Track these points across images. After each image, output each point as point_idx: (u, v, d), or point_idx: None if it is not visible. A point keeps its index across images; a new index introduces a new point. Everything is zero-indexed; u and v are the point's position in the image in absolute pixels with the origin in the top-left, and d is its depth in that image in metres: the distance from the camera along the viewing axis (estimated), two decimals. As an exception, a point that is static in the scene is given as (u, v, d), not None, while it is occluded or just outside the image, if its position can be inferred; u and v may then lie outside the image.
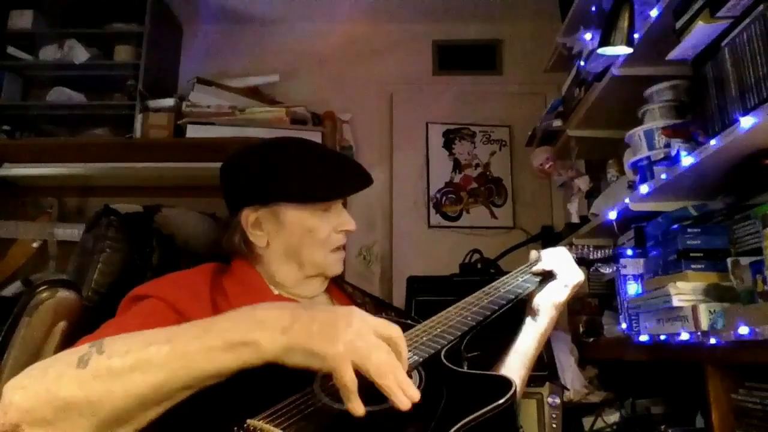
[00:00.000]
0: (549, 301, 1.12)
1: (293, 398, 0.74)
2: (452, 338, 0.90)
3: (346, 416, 0.71)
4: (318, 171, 1.08)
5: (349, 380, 0.68)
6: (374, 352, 0.70)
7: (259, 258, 1.10)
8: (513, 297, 1.08)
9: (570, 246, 1.26)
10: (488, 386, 0.80)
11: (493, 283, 1.11)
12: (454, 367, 0.85)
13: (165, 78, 3.28)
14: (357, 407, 0.69)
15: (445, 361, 0.86)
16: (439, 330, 0.92)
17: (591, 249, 1.31)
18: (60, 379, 0.69)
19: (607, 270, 1.35)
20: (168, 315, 0.91)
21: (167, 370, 0.69)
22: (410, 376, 0.79)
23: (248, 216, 1.07)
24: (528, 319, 1.13)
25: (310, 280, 1.11)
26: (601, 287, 2.06)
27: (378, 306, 1.20)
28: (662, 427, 1.64)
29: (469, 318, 0.97)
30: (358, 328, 0.71)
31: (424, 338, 0.89)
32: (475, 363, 1.07)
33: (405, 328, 0.92)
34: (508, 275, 1.15)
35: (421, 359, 0.83)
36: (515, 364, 1.09)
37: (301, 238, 1.07)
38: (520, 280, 1.13)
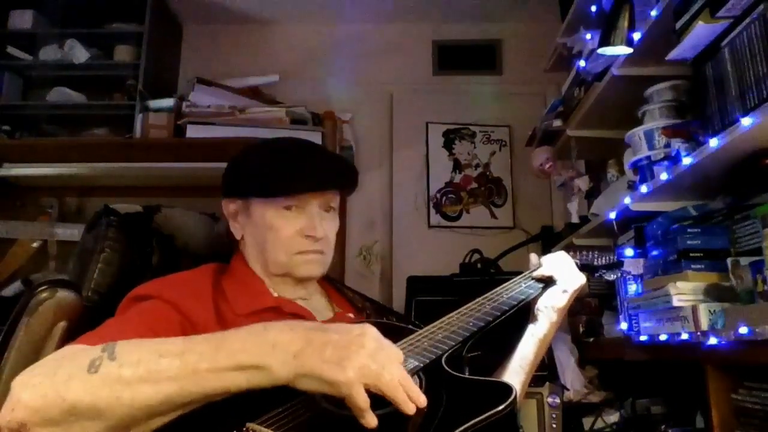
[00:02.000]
0: (549, 306, 1.12)
1: (293, 402, 0.74)
2: (453, 344, 0.90)
3: (345, 421, 0.71)
4: (285, 167, 1.05)
5: (362, 403, 0.69)
6: (385, 373, 0.70)
7: (243, 251, 1.11)
8: (515, 303, 1.07)
9: (574, 252, 1.26)
10: (488, 392, 0.80)
11: (495, 289, 1.10)
12: (455, 373, 0.85)
13: (165, 78, 3.28)
14: (371, 421, 0.69)
15: (446, 366, 0.86)
16: (440, 335, 0.92)
17: (595, 255, 1.31)
18: (69, 381, 0.69)
19: (611, 276, 1.34)
20: (170, 316, 0.91)
21: (177, 385, 0.70)
22: None
23: (227, 206, 1.11)
24: (529, 325, 1.13)
25: (279, 279, 1.08)
26: (601, 287, 2.06)
27: (378, 311, 1.19)
28: (662, 427, 1.64)
29: (471, 324, 0.97)
30: (370, 350, 0.71)
31: (426, 343, 0.88)
32: (475, 363, 1.07)
33: (406, 332, 0.92)
34: (511, 281, 1.14)
35: (422, 364, 0.83)
36: (515, 369, 1.09)
37: (265, 235, 1.05)
38: (523, 285, 1.13)
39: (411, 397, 0.71)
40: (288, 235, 1.04)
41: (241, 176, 1.08)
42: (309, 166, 1.07)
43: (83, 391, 0.69)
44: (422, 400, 0.72)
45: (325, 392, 0.71)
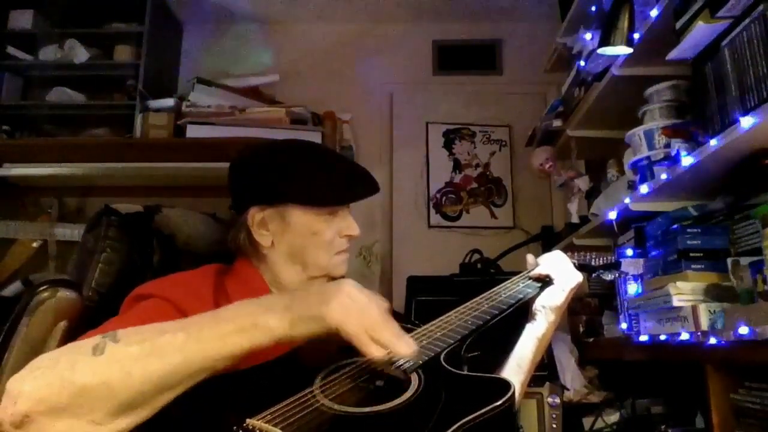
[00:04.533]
0: (546, 306, 1.12)
1: (293, 398, 0.74)
2: (452, 341, 0.91)
3: (345, 417, 0.71)
4: (327, 175, 1.09)
5: (354, 330, 0.74)
6: (366, 310, 0.77)
7: (263, 258, 1.10)
8: (514, 302, 1.08)
9: (572, 252, 1.26)
10: (487, 388, 0.80)
11: (494, 288, 1.11)
12: (454, 370, 0.86)
13: (165, 78, 3.28)
14: (375, 350, 0.74)
15: (444, 364, 0.86)
16: (439, 333, 0.92)
17: (593, 255, 1.32)
18: (74, 366, 0.70)
19: (609, 277, 1.35)
20: (171, 315, 0.91)
21: (184, 354, 0.72)
22: (410, 379, 0.79)
23: (254, 215, 1.08)
24: (527, 324, 1.13)
25: (314, 281, 1.11)
26: (601, 287, 2.06)
27: None
28: (662, 427, 1.64)
29: (470, 322, 0.97)
30: (348, 291, 0.78)
31: (424, 341, 0.89)
32: (475, 363, 1.08)
33: (406, 331, 0.92)
34: (509, 280, 1.15)
35: (420, 362, 0.83)
36: (514, 369, 1.09)
37: (306, 240, 1.07)
38: (521, 285, 1.14)
39: (396, 339, 0.76)
40: (330, 238, 1.09)
41: (279, 184, 1.07)
42: (352, 175, 1.12)
43: (92, 372, 0.69)
44: (408, 340, 0.77)
45: (320, 331, 0.76)
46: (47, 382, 0.68)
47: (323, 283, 0.84)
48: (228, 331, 0.74)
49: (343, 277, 1.16)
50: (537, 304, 1.13)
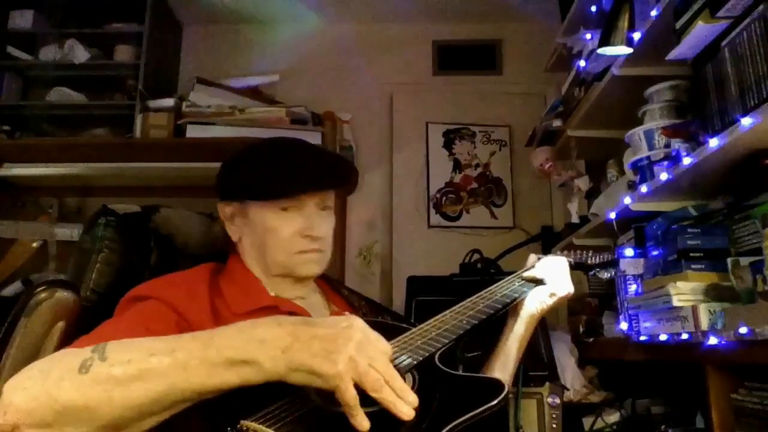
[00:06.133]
0: (532, 307, 1.12)
1: (286, 399, 0.74)
2: (447, 341, 0.91)
3: (338, 417, 0.71)
4: (279, 168, 1.05)
5: (350, 397, 0.69)
6: (371, 370, 0.71)
7: (239, 251, 1.11)
8: (509, 301, 1.08)
9: (569, 250, 1.26)
10: (480, 389, 0.81)
11: (489, 287, 1.11)
12: (448, 370, 0.86)
13: (165, 78, 3.28)
14: (362, 422, 0.69)
15: (439, 363, 0.86)
16: (434, 333, 0.92)
17: (590, 254, 1.32)
18: (60, 382, 0.69)
19: (605, 275, 1.35)
20: (168, 316, 0.91)
21: (168, 382, 0.70)
22: (404, 379, 0.79)
23: (223, 209, 1.11)
24: (509, 322, 1.13)
25: (278, 279, 1.08)
26: (601, 287, 2.06)
27: (374, 309, 1.20)
28: (662, 427, 1.63)
29: (464, 322, 0.97)
30: (358, 342, 0.72)
31: (419, 341, 0.89)
32: (476, 362, 1.08)
33: (401, 331, 0.92)
34: (504, 279, 1.16)
35: (415, 362, 0.83)
36: (500, 368, 1.09)
37: (262, 237, 1.06)
38: (517, 284, 1.14)
39: (399, 395, 0.71)
40: (287, 236, 1.05)
41: (235, 180, 1.08)
42: (303, 167, 1.06)
43: (75, 392, 0.69)
44: (411, 398, 0.72)
45: (316, 386, 0.71)
46: (34, 396, 0.69)
47: (330, 320, 0.76)
48: (216, 362, 0.70)
49: (311, 277, 1.11)
50: (524, 305, 1.13)
